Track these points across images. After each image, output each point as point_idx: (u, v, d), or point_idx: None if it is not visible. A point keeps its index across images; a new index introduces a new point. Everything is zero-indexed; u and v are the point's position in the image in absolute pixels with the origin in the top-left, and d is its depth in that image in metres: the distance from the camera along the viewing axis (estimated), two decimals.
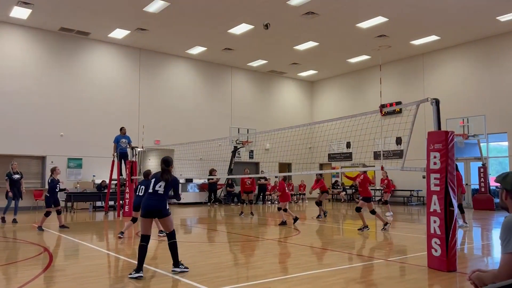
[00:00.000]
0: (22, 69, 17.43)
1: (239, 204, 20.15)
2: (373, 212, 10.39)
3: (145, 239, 5.69)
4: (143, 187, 8.65)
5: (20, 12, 16.02)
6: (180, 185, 7.56)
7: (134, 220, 9.04)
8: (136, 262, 5.61)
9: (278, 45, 19.80)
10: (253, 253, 7.86)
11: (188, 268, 5.87)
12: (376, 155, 20.09)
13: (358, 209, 10.44)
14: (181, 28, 17.81)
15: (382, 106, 7.58)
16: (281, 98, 25.71)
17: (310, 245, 8.54)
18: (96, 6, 15.50)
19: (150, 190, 5.86)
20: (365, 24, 17.10)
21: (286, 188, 12.15)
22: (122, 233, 9.27)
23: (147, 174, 9.32)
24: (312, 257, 7.30)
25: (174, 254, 5.80)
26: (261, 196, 21.17)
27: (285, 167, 24.29)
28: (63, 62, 18.45)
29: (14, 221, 12.19)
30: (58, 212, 10.84)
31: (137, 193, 8.79)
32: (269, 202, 21.85)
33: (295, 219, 11.81)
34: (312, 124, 11.88)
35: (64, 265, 6.60)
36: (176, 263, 5.83)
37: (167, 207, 5.87)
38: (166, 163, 5.97)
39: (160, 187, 5.81)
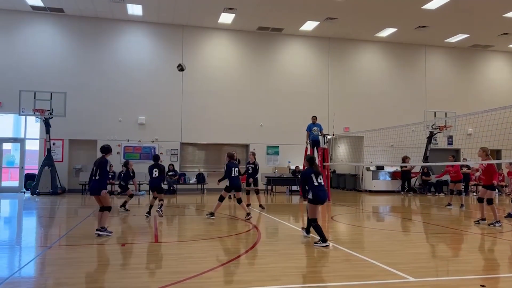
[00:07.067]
0: (227, 68, 19.82)
1: (436, 194, 18.68)
2: None
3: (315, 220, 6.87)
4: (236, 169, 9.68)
5: (226, 18, 18.27)
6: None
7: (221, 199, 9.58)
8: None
9: (483, 15, 17.35)
10: (457, 247, 7.20)
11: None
12: None
13: (489, 201, 9.03)
14: (370, 12, 17.36)
15: None
16: (486, 75, 22.53)
17: None
18: (290, 1, 16.42)
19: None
20: None
21: None
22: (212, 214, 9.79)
23: (231, 156, 9.88)
24: None
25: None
26: (462, 187, 19.07)
27: (493, 154, 21.25)
28: (260, 59, 20.23)
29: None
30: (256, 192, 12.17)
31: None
32: (474, 194, 19.54)
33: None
34: None
35: (270, 241, 7.34)
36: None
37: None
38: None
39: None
